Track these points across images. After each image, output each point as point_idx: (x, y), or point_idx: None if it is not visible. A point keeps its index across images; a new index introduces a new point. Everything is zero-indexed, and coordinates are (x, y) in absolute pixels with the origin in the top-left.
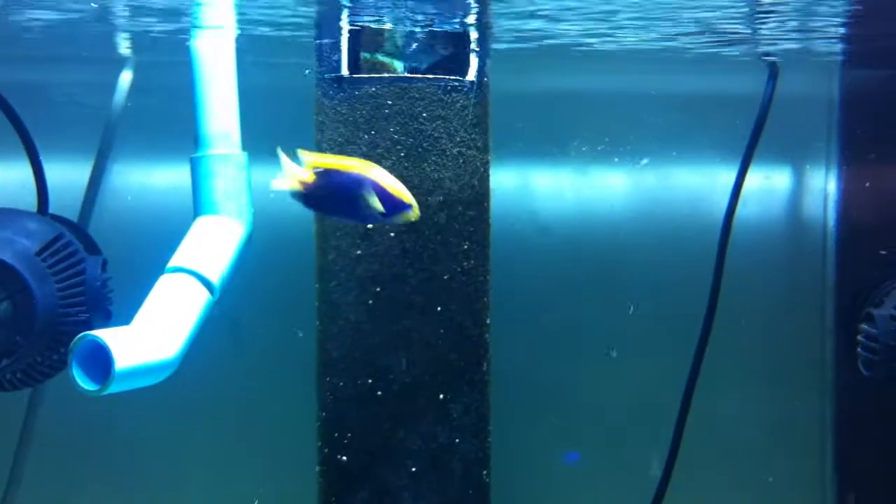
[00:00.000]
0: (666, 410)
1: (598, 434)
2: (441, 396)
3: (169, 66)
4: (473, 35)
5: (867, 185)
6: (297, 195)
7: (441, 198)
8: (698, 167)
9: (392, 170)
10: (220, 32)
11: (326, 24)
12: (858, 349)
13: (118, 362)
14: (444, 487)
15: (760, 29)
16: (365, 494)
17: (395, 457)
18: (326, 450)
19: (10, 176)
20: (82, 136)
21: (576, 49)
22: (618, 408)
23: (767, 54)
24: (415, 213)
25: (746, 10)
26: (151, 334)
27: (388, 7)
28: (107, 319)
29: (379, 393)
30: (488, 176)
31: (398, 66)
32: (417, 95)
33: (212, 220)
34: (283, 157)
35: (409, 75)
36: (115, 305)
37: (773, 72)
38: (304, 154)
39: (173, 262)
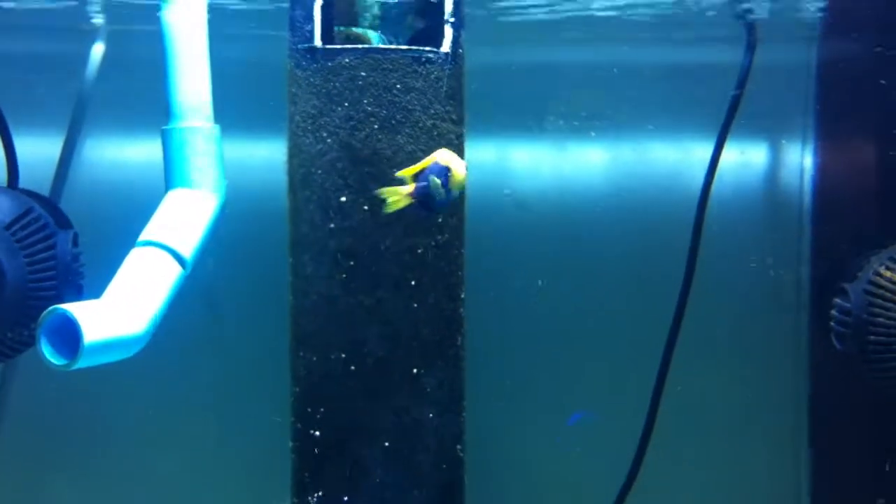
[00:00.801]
0: (641, 386)
1: (572, 409)
2: (415, 371)
3: (141, 37)
4: (448, 6)
5: (843, 159)
6: (416, 207)
7: None
8: (675, 141)
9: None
10: (192, 2)
11: None
12: (831, 323)
13: (87, 336)
14: (417, 462)
15: None
16: (338, 469)
17: (368, 431)
18: (299, 425)
19: None
20: (54, 109)
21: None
22: (593, 383)
23: (746, 12)
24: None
25: None
26: (121, 308)
27: None
28: (78, 294)
29: (352, 367)
30: (463, 149)
31: (373, 37)
32: (391, 67)
33: (183, 194)
34: (385, 190)
35: (383, 46)
36: (87, 280)
37: (751, 43)
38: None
39: (144, 235)
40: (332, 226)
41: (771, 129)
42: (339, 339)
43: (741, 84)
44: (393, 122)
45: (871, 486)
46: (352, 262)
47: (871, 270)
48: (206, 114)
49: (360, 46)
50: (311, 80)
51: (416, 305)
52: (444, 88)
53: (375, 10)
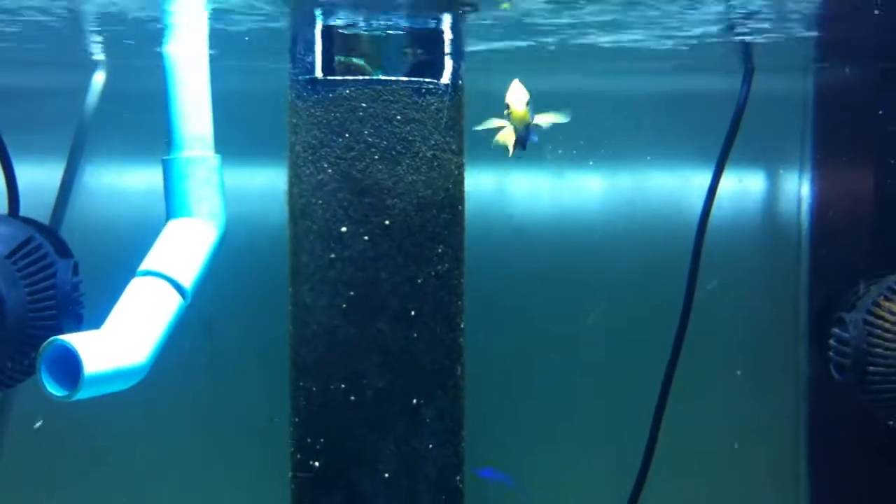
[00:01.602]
0: (641, 412)
1: (573, 437)
2: (414, 401)
3: (142, 69)
4: (448, 38)
5: (841, 188)
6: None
7: (415, 201)
8: (673, 170)
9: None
10: (193, 36)
11: (300, 26)
12: (830, 353)
13: (87, 367)
14: (416, 493)
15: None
16: (337, 500)
17: (368, 462)
18: (299, 455)
19: None
20: (54, 137)
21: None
22: (593, 410)
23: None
24: (514, 112)
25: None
26: (122, 339)
27: (362, 10)
28: (78, 323)
29: (352, 398)
30: (463, 179)
31: (373, 68)
32: (392, 98)
33: (184, 224)
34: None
35: (383, 77)
36: (87, 308)
37: (748, 73)
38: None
39: (145, 265)
40: (332, 256)
41: (769, 158)
42: (339, 369)
43: (739, 112)
44: (393, 152)
45: None
46: (352, 293)
47: (870, 300)
48: (207, 144)
49: (360, 78)
50: (312, 110)
51: (415, 335)
52: (444, 119)
53: (376, 42)
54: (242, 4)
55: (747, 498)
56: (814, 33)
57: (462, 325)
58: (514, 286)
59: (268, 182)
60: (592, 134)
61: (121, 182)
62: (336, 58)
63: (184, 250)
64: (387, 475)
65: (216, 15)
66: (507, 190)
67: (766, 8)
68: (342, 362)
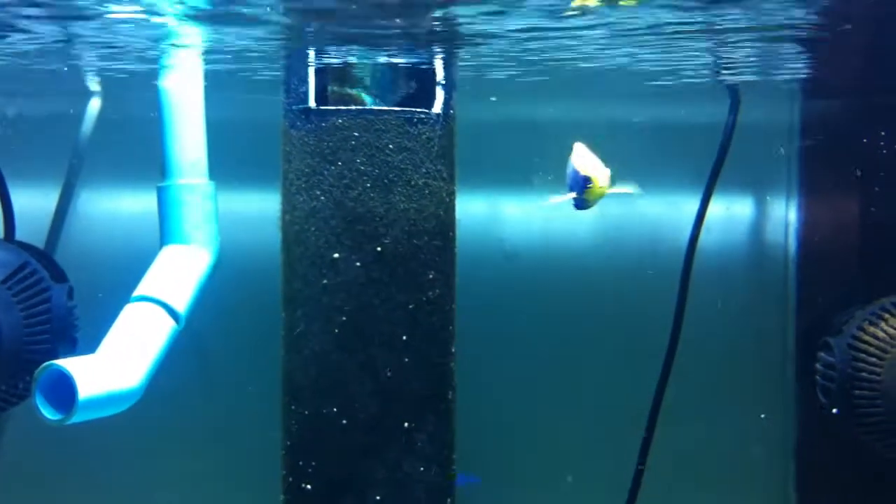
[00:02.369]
0: (631, 435)
1: (563, 461)
2: (406, 425)
3: (138, 98)
4: (439, 69)
5: (827, 214)
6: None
7: (406, 228)
8: (662, 196)
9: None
10: (189, 65)
11: (294, 57)
12: (816, 377)
13: (82, 391)
14: None
15: (721, 59)
16: None
17: (359, 486)
18: (291, 478)
19: None
20: (50, 163)
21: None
22: (584, 434)
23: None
24: (595, 186)
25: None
26: (116, 363)
27: (354, 47)
28: (73, 347)
29: (344, 422)
30: (454, 206)
31: (366, 98)
32: (384, 127)
33: (178, 250)
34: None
35: (375, 107)
36: (82, 333)
37: (735, 102)
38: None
39: (139, 290)
40: (324, 282)
41: (756, 184)
42: (331, 393)
43: (726, 141)
44: (385, 181)
45: None
46: (344, 319)
47: (855, 325)
48: (201, 171)
49: (353, 108)
50: (306, 139)
51: (407, 360)
52: (436, 148)
53: (368, 72)
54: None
55: None
56: (800, 76)
57: (453, 351)
58: (506, 311)
59: (261, 209)
60: None
61: (115, 208)
62: (329, 87)
63: (177, 276)
64: (378, 498)
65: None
66: (498, 216)
67: (752, 58)
68: (334, 387)
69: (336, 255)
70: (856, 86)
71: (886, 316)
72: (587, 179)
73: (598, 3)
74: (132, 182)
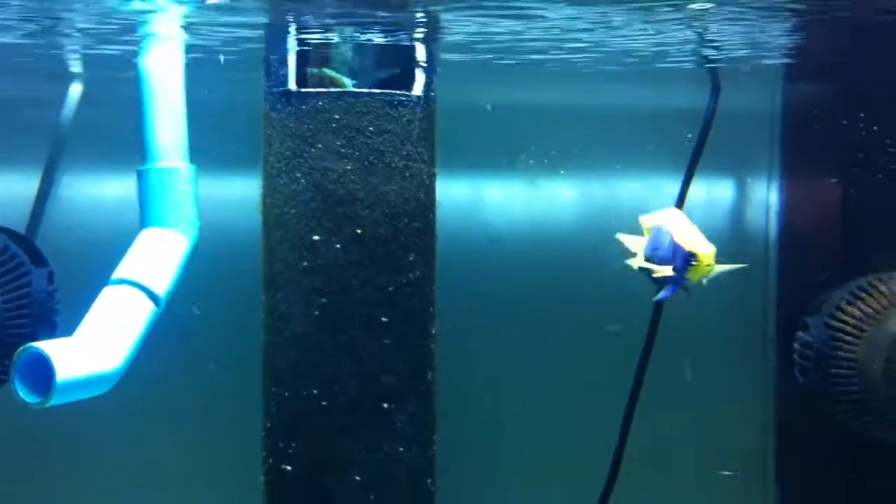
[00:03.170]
0: (611, 419)
1: (544, 443)
2: (386, 406)
3: (119, 80)
4: (420, 51)
5: (808, 196)
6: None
7: (387, 210)
8: (644, 179)
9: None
10: (169, 47)
11: (274, 40)
12: (794, 356)
13: (60, 374)
14: (388, 497)
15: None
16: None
17: (339, 466)
18: (271, 460)
19: None
20: (31, 147)
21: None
22: (563, 417)
23: (710, 62)
24: (702, 264)
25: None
26: (94, 346)
27: (335, 23)
28: (52, 331)
29: (324, 403)
30: (434, 188)
31: (346, 81)
32: (364, 110)
33: (157, 233)
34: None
35: (355, 90)
36: (62, 317)
37: (716, 86)
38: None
39: (118, 273)
40: (304, 264)
41: (738, 167)
42: (312, 375)
43: (707, 124)
44: (366, 163)
45: None
46: (324, 300)
47: (833, 305)
48: (181, 154)
49: (333, 90)
50: (286, 122)
51: (387, 342)
52: (416, 130)
53: (349, 54)
54: (219, 23)
55: (716, 502)
56: (785, 42)
57: (434, 332)
58: (488, 294)
59: (242, 192)
60: (564, 143)
61: (96, 192)
62: (309, 70)
63: (157, 259)
64: (358, 479)
65: (192, 29)
66: (481, 200)
67: (736, 39)
68: (315, 368)
69: (316, 238)
70: (838, 68)
71: (863, 295)
72: (691, 256)
73: None
74: (114, 166)
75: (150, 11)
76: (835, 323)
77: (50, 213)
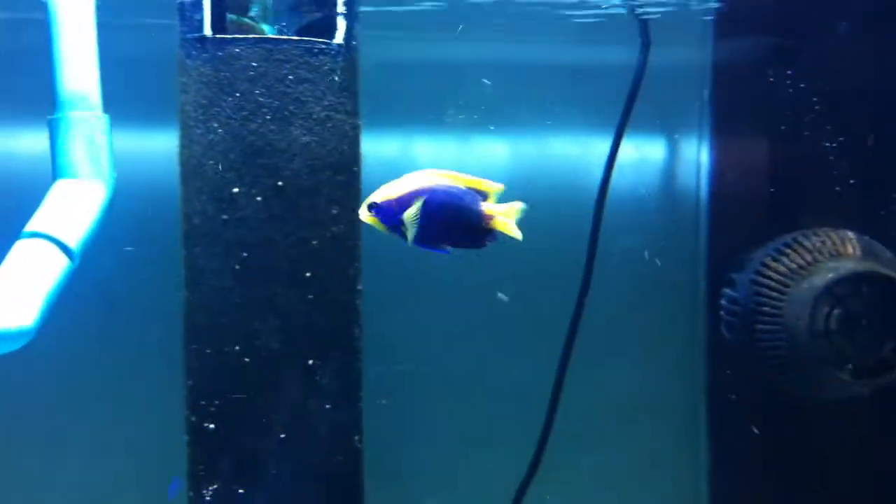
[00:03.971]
0: (541, 381)
1: (474, 404)
2: (310, 362)
3: (32, 25)
4: None
5: (737, 155)
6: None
7: (308, 162)
8: (575, 137)
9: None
10: None
11: None
12: (721, 312)
13: None
14: (312, 453)
15: None
16: (232, 461)
17: (262, 423)
18: (193, 418)
19: None
20: None
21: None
22: (493, 378)
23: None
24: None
25: None
26: (6, 301)
27: None
28: None
29: (246, 360)
30: (358, 140)
31: (266, 28)
32: (283, 58)
33: (71, 184)
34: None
35: (274, 37)
36: None
37: (646, 42)
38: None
39: (30, 226)
40: (224, 217)
41: (668, 126)
42: (233, 331)
43: (637, 81)
44: (286, 112)
45: (768, 471)
46: (245, 254)
47: (758, 261)
48: (93, 103)
49: (251, 37)
50: (202, 69)
51: (311, 297)
52: (338, 80)
53: (269, 1)
54: None
55: (647, 466)
56: (713, 5)
57: (360, 287)
58: (416, 250)
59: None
60: (494, 100)
61: (9, 145)
62: (227, 16)
63: (70, 211)
64: (282, 436)
65: None
66: (411, 155)
67: None
68: (236, 324)
69: (236, 190)
70: (766, 24)
71: (788, 251)
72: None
73: None
74: (29, 119)
75: None
76: (760, 279)
77: None
